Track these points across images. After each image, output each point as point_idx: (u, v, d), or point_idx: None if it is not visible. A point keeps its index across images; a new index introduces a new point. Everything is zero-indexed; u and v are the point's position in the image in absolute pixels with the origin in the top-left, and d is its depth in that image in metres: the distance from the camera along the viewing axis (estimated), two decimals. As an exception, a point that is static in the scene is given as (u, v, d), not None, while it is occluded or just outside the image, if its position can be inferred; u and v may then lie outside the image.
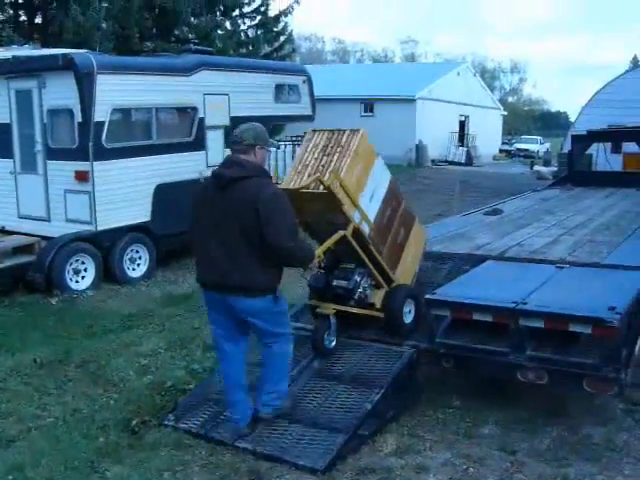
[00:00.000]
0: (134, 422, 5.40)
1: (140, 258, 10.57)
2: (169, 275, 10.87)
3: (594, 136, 15.73)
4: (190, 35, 22.70)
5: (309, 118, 14.11)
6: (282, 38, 26.47)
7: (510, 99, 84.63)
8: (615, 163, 19.36)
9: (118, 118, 10.27)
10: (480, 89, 46.26)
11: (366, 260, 5.75)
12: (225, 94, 11.81)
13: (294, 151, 22.95)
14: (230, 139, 5.01)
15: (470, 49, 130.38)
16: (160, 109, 10.87)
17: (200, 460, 4.91)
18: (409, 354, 5.60)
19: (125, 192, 10.16)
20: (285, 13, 25.41)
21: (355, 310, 5.87)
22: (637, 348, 5.39)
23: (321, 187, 5.31)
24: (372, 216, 5.75)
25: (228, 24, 24.18)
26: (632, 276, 6.06)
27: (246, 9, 24.87)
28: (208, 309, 5.13)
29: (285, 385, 5.20)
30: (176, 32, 22.54)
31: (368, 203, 5.71)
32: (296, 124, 15.06)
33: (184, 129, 11.37)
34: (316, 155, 5.64)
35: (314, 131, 5.87)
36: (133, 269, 10.45)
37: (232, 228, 4.68)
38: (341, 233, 5.48)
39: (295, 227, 4.84)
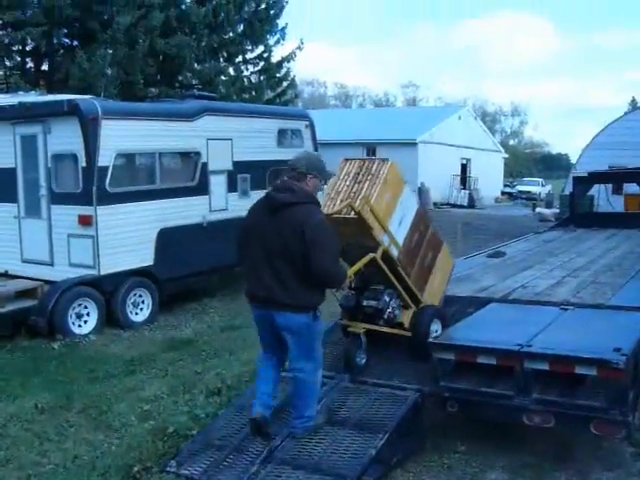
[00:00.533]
0: (135, 468, 5.33)
1: (143, 302, 10.54)
2: (172, 320, 10.82)
3: (595, 178, 15.80)
4: (194, 81, 22.98)
5: (311, 162, 14.17)
6: (285, 83, 26.76)
7: (511, 142, 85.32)
8: (617, 204, 19.42)
9: (122, 163, 10.34)
10: (481, 132, 46.65)
11: (395, 281, 6.03)
12: (228, 139, 11.91)
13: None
14: (288, 165, 5.30)
15: (471, 93, 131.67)
16: (164, 154, 10.96)
17: (203, 508, 4.85)
18: (413, 398, 5.53)
19: (128, 236, 10.17)
20: (288, 59, 25.74)
21: (384, 329, 6.10)
22: (644, 390, 5.33)
23: (352, 212, 5.62)
24: (400, 240, 6.05)
25: (231, 70, 24.49)
26: (636, 317, 6.03)
27: (249, 55, 25.22)
28: (256, 324, 5.47)
29: (314, 410, 5.39)
30: (180, 78, 22.84)
31: (397, 228, 6.02)
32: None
33: (187, 174, 11.44)
34: (348, 182, 5.94)
35: (346, 160, 6.17)
36: (136, 313, 10.41)
37: (279, 249, 5.01)
38: (371, 255, 5.77)
39: (337, 253, 5.16)
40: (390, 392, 5.70)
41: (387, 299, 6.00)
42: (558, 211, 27.16)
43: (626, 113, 30.82)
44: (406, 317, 6.18)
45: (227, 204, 11.93)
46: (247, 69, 25.39)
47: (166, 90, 20.42)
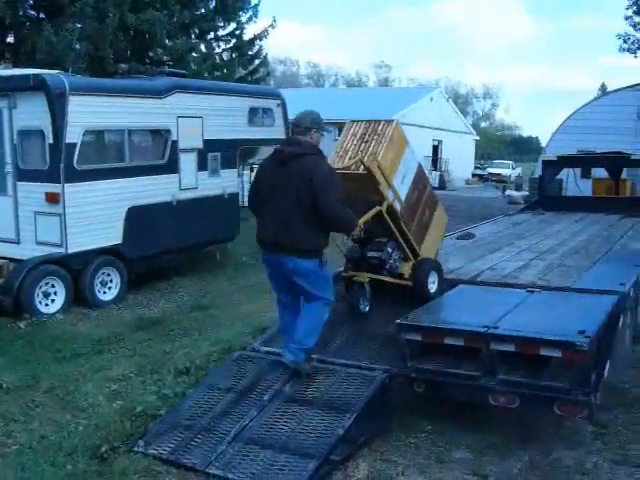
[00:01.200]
0: (103, 448, 5.30)
1: (111, 281, 10.45)
2: (141, 299, 10.76)
3: (564, 161, 15.93)
4: (165, 57, 22.66)
5: (283, 142, 14.13)
6: (257, 61, 26.47)
7: (483, 124, 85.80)
8: (585, 188, 19.64)
9: (90, 140, 10.21)
10: (453, 114, 46.76)
11: (397, 234, 6.54)
12: (199, 117, 11.81)
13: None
14: (292, 122, 5.84)
15: (443, 74, 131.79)
16: (133, 131, 10.82)
17: (170, 487, 4.84)
18: (381, 379, 5.57)
19: (96, 214, 10.07)
20: (260, 37, 25.45)
21: (387, 279, 6.57)
22: (606, 371, 5.42)
23: (361, 168, 6.09)
24: (403, 196, 6.54)
25: (203, 47, 24.16)
26: (601, 300, 6.12)
27: (221, 32, 24.89)
28: (266, 267, 5.92)
29: (312, 341, 5.77)
30: (151, 54, 22.49)
31: (400, 184, 6.51)
32: (270, 147, 15.04)
33: (157, 152, 11.32)
34: (355, 142, 6.42)
35: (352, 122, 6.65)
36: (104, 292, 10.33)
37: (289, 197, 5.45)
38: (378, 208, 6.27)
39: (343, 199, 5.53)
40: (358, 372, 5.73)
41: (390, 250, 6.48)
42: (527, 194, 27.43)
43: (596, 98, 31.04)
44: (406, 268, 6.67)
45: (197, 183, 11.86)
46: (219, 46, 25.06)
47: (136, 66, 20.07)
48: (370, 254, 6.50)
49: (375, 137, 6.34)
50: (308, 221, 5.43)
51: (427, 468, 5.14)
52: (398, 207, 6.46)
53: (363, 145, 6.31)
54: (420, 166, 6.95)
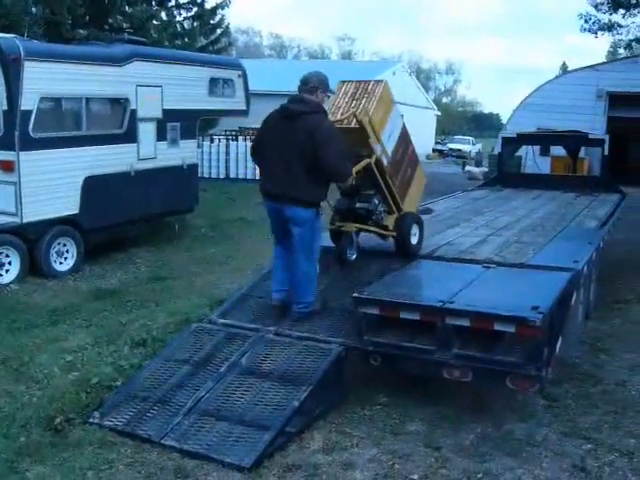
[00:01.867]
0: (57, 420, 5.27)
1: (68, 251, 10.35)
2: (97, 269, 10.67)
3: (523, 139, 16.06)
4: (124, 24, 22.23)
5: (243, 113, 14.08)
6: (218, 31, 26.19)
7: (444, 99, 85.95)
8: (543, 166, 19.86)
9: (46, 107, 10.03)
10: (415, 89, 46.83)
11: (383, 188, 6.89)
12: (158, 86, 11.67)
13: (228, 146, 22.99)
14: (299, 81, 6.17)
15: (406, 48, 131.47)
16: (90, 99, 10.66)
17: (125, 458, 4.83)
18: (337, 351, 5.61)
19: (52, 184, 9.92)
20: (222, 5, 25.14)
21: (373, 229, 6.98)
22: (558, 346, 5.53)
23: (353, 122, 6.43)
24: (389, 152, 6.90)
25: (164, 15, 23.78)
26: (556, 276, 6.22)
27: (182, 0, 24.54)
28: (268, 214, 6.35)
29: (311, 297, 6.26)
30: (110, 20, 22.04)
31: (387, 140, 6.88)
32: (230, 118, 14.95)
33: (115, 121, 11.19)
34: (347, 99, 6.76)
35: (343, 82, 6.97)
36: (60, 263, 10.22)
37: (293, 151, 5.86)
38: (367, 160, 6.61)
39: (344, 152, 6.03)
40: (315, 345, 5.76)
41: (376, 202, 6.87)
42: (487, 170, 27.67)
43: (557, 77, 31.30)
44: (390, 221, 7.06)
45: (156, 153, 11.76)
46: (180, 14, 24.68)
47: (95, 33, 19.67)
48: (358, 205, 6.85)
49: (365, 95, 6.70)
50: (309, 174, 5.87)
51: (381, 440, 5.21)
52: (385, 161, 6.81)
53: (354, 102, 6.66)
54: (404, 125, 7.28)
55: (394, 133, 7.02)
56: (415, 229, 7.19)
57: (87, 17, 20.98)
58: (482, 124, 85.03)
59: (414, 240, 7.16)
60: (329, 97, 6.27)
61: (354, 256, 7.01)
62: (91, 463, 4.74)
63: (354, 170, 6.33)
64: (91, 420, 5.29)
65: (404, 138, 7.24)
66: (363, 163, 6.58)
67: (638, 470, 4.87)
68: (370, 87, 6.79)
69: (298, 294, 6.23)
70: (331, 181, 6.15)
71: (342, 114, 6.57)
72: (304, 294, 6.21)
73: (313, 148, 5.78)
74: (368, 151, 6.62)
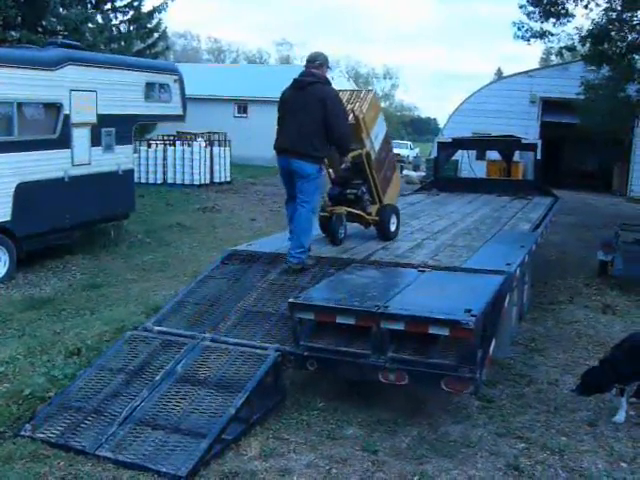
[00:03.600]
0: (-13, 433, 5.14)
1: (0, 259, 10.07)
2: (31, 277, 10.44)
3: (458, 143, 16.31)
4: (59, 27, 21.78)
5: (180, 118, 13.98)
6: (155, 35, 25.89)
7: (382, 104, 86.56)
8: (479, 170, 20.21)
9: (-24, 112, 9.78)
10: (354, 94, 46.96)
11: (370, 178, 7.97)
12: (92, 91, 11.50)
13: (165, 151, 22.74)
14: (306, 59, 7.26)
15: (344, 53, 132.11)
16: (22, 104, 10.42)
17: (58, 472, 4.72)
18: (273, 357, 5.60)
19: (-17, 190, 9.66)
20: (159, 9, 24.86)
21: (359, 212, 7.97)
22: (492, 348, 5.63)
23: (350, 117, 7.47)
24: (376, 149, 7.99)
25: (99, 18, 23.40)
26: (489, 279, 6.33)
27: (119, 3, 24.15)
28: (279, 169, 7.30)
29: (307, 241, 7.17)
30: (44, 23, 21.59)
31: (375, 140, 7.99)
32: (167, 123, 14.80)
33: (48, 126, 10.98)
34: None
35: (339, 91, 7.59)
36: (-8, 271, 9.95)
37: (305, 115, 6.90)
38: (360, 151, 7.66)
39: (348, 122, 7.28)
40: (251, 351, 5.74)
41: (364, 190, 7.95)
42: (425, 174, 28.02)
43: (491, 82, 31.92)
44: (373, 209, 8.11)
45: (90, 158, 11.58)
46: (116, 18, 24.32)
47: (28, 35, 19.22)
48: (348, 191, 7.90)
49: (358, 100, 7.87)
50: (317, 134, 6.88)
51: (319, 445, 5.22)
52: (372, 156, 7.88)
53: (349, 106, 7.69)
54: (388, 133, 8.56)
55: (379, 136, 8.16)
56: (394, 218, 8.28)
57: (19, 19, 20.49)
58: (420, 129, 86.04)
59: (392, 227, 8.22)
60: (330, 71, 7.44)
61: (343, 235, 7.90)
62: (22, 478, 4.61)
63: (351, 155, 7.41)
64: (22, 433, 5.17)
65: (387, 143, 8.47)
66: (357, 152, 7.61)
67: (569, 467, 5.00)
68: (362, 94, 8.05)
69: (295, 239, 7.08)
70: (334, 144, 7.10)
71: None
72: (303, 240, 7.06)
73: (323, 113, 6.83)
74: (360, 145, 7.65)
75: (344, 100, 7.64)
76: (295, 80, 7.23)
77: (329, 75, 7.37)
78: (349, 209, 7.91)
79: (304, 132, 6.90)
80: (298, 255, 7.02)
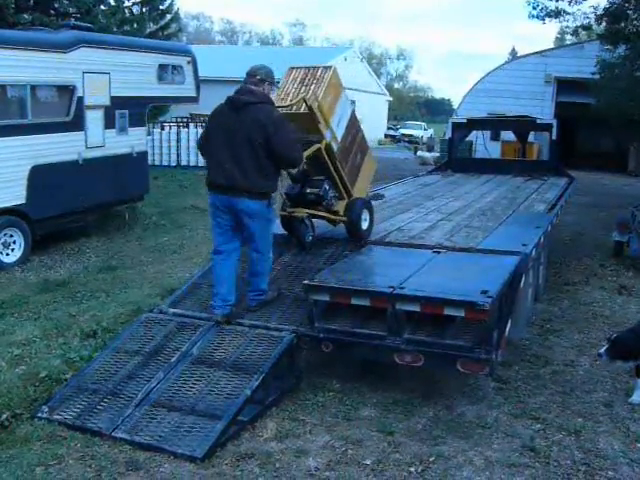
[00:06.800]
0: (4, 416, 5.16)
1: (14, 242, 10.13)
2: (46, 260, 10.47)
3: (473, 124, 16.19)
4: (71, 9, 21.77)
5: (193, 100, 13.92)
6: (168, 16, 25.88)
7: (396, 85, 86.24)
8: (493, 150, 20.09)
9: (-10, 95, 9.78)
10: (367, 74, 46.87)
11: (333, 173, 6.91)
12: (106, 73, 11.47)
13: (178, 133, 22.74)
14: (246, 73, 6.13)
15: (358, 34, 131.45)
16: (36, 86, 10.41)
17: (75, 453, 4.75)
18: (289, 339, 5.61)
19: (-3, 173, 9.69)
20: (172, -10, 24.83)
21: (323, 214, 6.99)
22: (508, 329, 5.61)
23: (303, 107, 6.42)
24: (339, 138, 6.88)
25: (112, 0, 23.39)
26: (504, 261, 6.30)
27: (131, -16, 24.15)
28: (213, 211, 6.15)
29: (265, 285, 6.26)
30: (56, 5, 21.58)
31: (336, 127, 6.85)
32: (180, 105, 14.78)
33: (62, 108, 10.95)
34: (295, 86, 6.81)
35: (292, 68, 7.02)
36: (7, 254, 10.00)
37: (242, 142, 5.80)
38: (317, 146, 6.60)
39: (295, 139, 6.05)
40: (266, 333, 5.75)
41: (327, 187, 6.83)
42: (439, 155, 27.86)
43: (506, 62, 31.66)
44: (341, 206, 7.06)
45: (104, 141, 11.56)
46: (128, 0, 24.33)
47: (40, 18, 19.23)
48: (309, 190, 6.85)
49: (315, 81, 6.74)
50: (260, 164, 5.83)
51: (334, 426, 5.22)
52: (335, 147, 6.80)
53: (304, 88, 6.71)
54: (354, 111, 7.33)
55: (343, 119, 7.02)
56: (365, 214, 7.21)
57: (32, 1, 20.50)
58: (434, 109, 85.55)
59: (364, 225, 7.18)
60: (274, 91, 6.23)
61: (311, 238, 7.03)
62: (40, 459, 4.65)
63: (305, 154, 6.34)
64: (39, 415, 5.20)
65: (353, 125, 7.24)
66: (314, 148, 6.57)
67: (585, 448, 4.98)
68: (319, 73, 6.81)
69: (252, 283, 6.23)
70: (282, 168, 6.19)
71: (291, 100, 6.55)
72: (259, 283, 6.21)
73: (264, 138, 5.75)
74: (318, 137, 6.62)
75: (297, 81, 6.84)
76: (229, 99, 6.05)
77: (273, 94, 6.19)
78: (311, 211, 6.94)
79: (245, 165, 5.83)
80: (257, 297, 6.24)
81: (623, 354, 5.78)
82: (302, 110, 6.44)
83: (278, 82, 6.26)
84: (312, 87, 6.67)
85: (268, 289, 6.29)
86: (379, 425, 5.24)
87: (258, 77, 6.06)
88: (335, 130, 6.81)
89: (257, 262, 6.17)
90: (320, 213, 6.99)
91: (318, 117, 6.50)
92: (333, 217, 7.09)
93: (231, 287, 6.14)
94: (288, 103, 6.48)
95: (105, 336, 6.81)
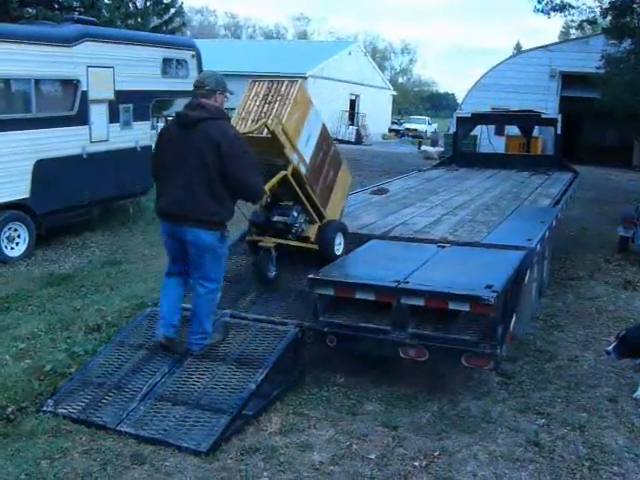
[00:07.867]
0: (9, 409, 5.16)
1: (19, 237, 10.14)
2: (50, 254, 10.49)
3: (477, 118, 16.19)
4: (75, 3, 21.74)
5: (197, 94, 13.85)
6: (172, 10, 25.77)
7: (400, 79, 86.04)
8: (498, 145, 20.06)
9: (-6, 89, 9.78)
10: (371, 69, 46.82)
11: (302, 198, 6.34)
12: (110, 67, 11.45)
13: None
14: (193, 85, 5.43)
15: (362, 28, 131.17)
16: (40, 81, 10.41)
17: (80, 446, 4.75)
18: (293, 333, 5.61)
19: (2, 167, 9.69)
20: (176, -15, 24.77)
21: (293, 243, 6.43)
22: (512, 324, 5.60)
23: (265, 132, 5.82)
24: (307, 158, 6.32)
25: (116, -7, 23.36)
26: (509, 255, 6.29)
27: (135, -21, 24.09)
28: (164, 238, 5.61)
29: (209, 326, 5.56)
30: (60, -1, 21.58)
31: (304, 146, 6.29)
32: (184, 100, 14.72)
33: (66, 102, 10.95)
34: (258, 103, 6.19)
35: (254, 81, 6.41)
36: (11, 248, 10.01)
37: (193, 164, 5.13)
38: (283, 173, 6.04)
39: (254, 163, 5.33)
40: (270, 327, 5.75)
41: (295, 214, 6.34)
42: (443, 149, 27.86)
43: (511, 57, 31.58)
44: (312, 231, 6.51)
45: (108, 135, 11.56)
46: (133, -7, 24.27)
47: (44, 12, 19.19)
48: (276, 218, 6.35)
49: (279, 98, 6.11)
50: (213, 190, 5.16)
51: (339, 421, 5.22)
52: (303, 170, 6.24)
53: (267, 106, 6.08)
54: (324, 126, 6.73)
55: (312, 137, 6.44)
56: (339, 238, 6.66)
57: (35, -4, 20.47)
58: (438, 104, 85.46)
59: (338, 251, 6.60)
60: (228, 98, 5.49)
61: (274, 273, 6.44)
62: (45, 452, 4.65)
63: (268, 186, 5.83)
64: (44, 408, 5.20)
65: (324, 140, 6.68)
66: (278, 177, 6.04)
67: (589, 443, 4.97)
68: (284, 88, 6.20)
69: (195, 323, 5.56)
70: (241, 199, 5.48)
71: (253, 120, 6.04)
72: (202, 322, 5.53)
73: (218, 160, 5.09)
74: (284, 161, 6.07)
75: (260, 97, 6.18)
76: (178, 115, 5.41)
77: (225, 105, 5.46)
78: (279, 240, 6.38)
79: (196, 190, 5.14)
80: (199, 342, 5.53)
81: (632, 351, 5.77)
82: (265, 134, 5.87)
83: (229, 92, 5.46)
84: (276, 105, 6.06)
85: (213, 330, 5.65)
86: (383, 419, 5.24)
87: (207, 87, 5.32)
88: (303, 151, 6.23)
89: (203, 300, 5.48)
90: (289, 242, 6.43)
91: (282, 141, 5.92)
92: (304, 245, 6.50)
93: (175, 308, 5.66)
94: (247, 129, 5.91)
95: (110, 330, 6.82)
